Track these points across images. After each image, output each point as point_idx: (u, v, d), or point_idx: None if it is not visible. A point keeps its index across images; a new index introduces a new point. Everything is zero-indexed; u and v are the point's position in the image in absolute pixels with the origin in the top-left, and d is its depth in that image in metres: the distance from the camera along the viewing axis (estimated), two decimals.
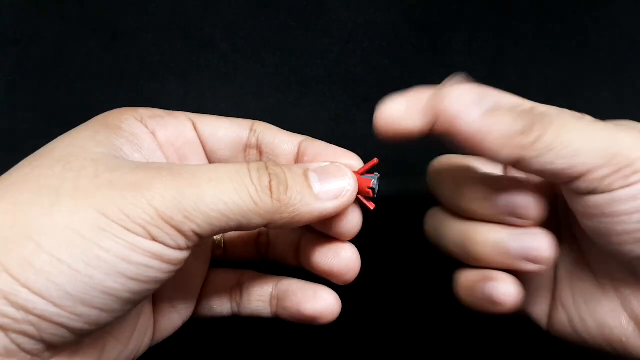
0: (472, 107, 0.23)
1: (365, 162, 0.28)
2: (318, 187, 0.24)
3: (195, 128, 0.28)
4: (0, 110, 0.38)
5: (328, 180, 0.25)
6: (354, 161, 0.27)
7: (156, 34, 0.39)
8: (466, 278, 0.28)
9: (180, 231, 0.21)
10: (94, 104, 0.39)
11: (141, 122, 0.26)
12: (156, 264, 0.21)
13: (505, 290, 0.26)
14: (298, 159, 0.28)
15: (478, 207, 0.27)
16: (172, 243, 0.21)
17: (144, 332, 0.27)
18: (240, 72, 0.39)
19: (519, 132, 0.23)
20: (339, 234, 0.27)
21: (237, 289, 0.30)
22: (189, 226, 0.21)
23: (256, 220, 0.23)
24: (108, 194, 0.21)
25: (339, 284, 0.28)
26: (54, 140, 0.24)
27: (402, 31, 0.39)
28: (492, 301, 0.26)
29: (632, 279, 0.26)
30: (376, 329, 0.38)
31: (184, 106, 0.39)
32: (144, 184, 0.21)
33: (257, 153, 0.29)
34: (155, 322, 0.28)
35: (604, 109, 0.40)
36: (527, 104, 0.25)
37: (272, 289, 0.29)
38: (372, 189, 0.26)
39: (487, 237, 0.27)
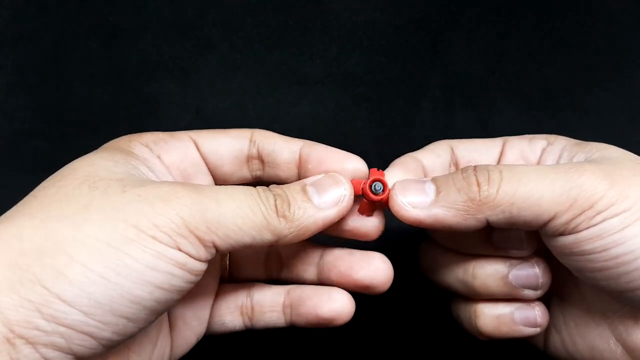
0: (419, 201, 0.26)
1: (364, 160, 0.29)
2: (317, 198, 0.26)
3: (197, 147, 0.29)
4: (0, 110, 0.38)
5: (325, 190, 0.26)
6: (359, 164, 0.28)
7: (156, 34, 0.39)
8: (490, 309, 0.29)
9: (201, 241, 0.23)
10: (93, 103, 0.39)
11: (147, 147, 0.28)
12: (180, 272, 0.23)
13: (541, 313, 0.29)
14: (301, 166, 0.29)
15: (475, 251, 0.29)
16: (194, 253, 0.23)
17: (162, 350, 0.28)
18: (240, 72, 0.39)
19: (469, 199, 0.25)
20: (365, 234, 0.28)
21: (248, 302, 0.30)
22: (210, 237, 0.23)
23: (267, 236, 0.25)
24: (137, 206, 0.22)
25: (373, 295, 0.28)
26: (72, 163, 0.25)
27: (402, 31, 0.39)
28: (531, 323, 0.28)
29: (617, 306, 0.27)
30: (382, 331, 0.38)
31: (184, 106, 0.39)
32: (172, 197, 0.23)
33: (259, 162, 0.29)
34: (171, 340, 0.28)
35: (604, 108, 0.40)
36: (466, 168, 0.27)
37: (284, 297, 0.30)
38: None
39: (487, 272, 0.29)
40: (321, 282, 0.30)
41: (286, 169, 0.29)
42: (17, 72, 0.39)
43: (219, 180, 0.30)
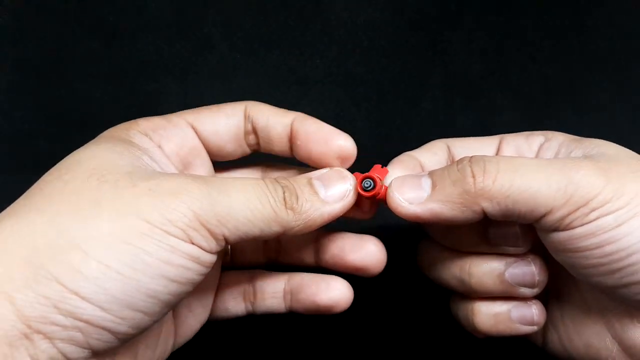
0: (416, 196, 0.26)
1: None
2: (323, 192, 0.26)
3: (196, 132, 0.29)
4: (0, 110, 0.38)
5: (331, 184, 0.27)
6: (346, 142, 0.28)
7: (155, 34, 0.39)
8: (487, 307, 0.29)
9: (212, 234, 0.23)
10: (93, 104, 0.39)
11: (146, 136, 0.27)
12: (193, 265, 0.23)
13: (538, 311, 0.28)
14: (292, 140, 0.29)
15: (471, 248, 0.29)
16: (206, 246, 0.23)
17: (167, 337, 0.28)
18: (239, 72, 0.39)
19: (464, 191, 0.25)
20: (361, 215, 0.29)
21: (250, 288, 0.31)
22: (221, 230, 0.23)
23: (275, 227, 0.25)
24: (149, 200, 0.22)
25: (367, 277, 0.29)
26: (73, 154, 0.25)
27: (402, 31, 0.39)
28: (528, 322, 0.28)
29: (613, 304, 0.27)
30: (381, 329, 0.38)
31: (184, 106, 0.38)
32: (183, 191, 0.23)
33: (255, 137, 0.30)
34: (175, 327, 0.28)
35: (604, 109, 0.40)
36: (462, 159, 0.26)
37: (285, 284, 0.30)
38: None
39: (483, 270, 0.28)
40: (318, 264, 0.30)
41: (279, 143, 0.29)
42: (17, 72, 0.39)
43: (219, 159, 0.30)
